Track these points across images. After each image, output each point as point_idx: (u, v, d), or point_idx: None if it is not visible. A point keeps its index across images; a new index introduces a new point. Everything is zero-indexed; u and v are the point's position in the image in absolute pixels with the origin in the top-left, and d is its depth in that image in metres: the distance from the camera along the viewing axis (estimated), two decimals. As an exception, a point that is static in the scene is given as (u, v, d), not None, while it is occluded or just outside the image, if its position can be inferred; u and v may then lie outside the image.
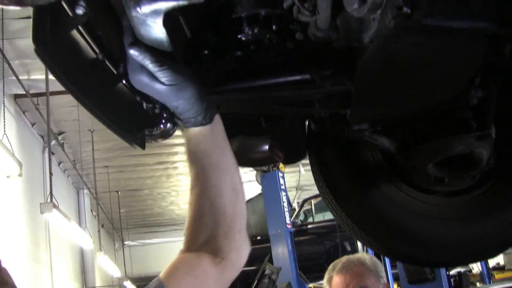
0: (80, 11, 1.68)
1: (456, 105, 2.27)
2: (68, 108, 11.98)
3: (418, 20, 1.45)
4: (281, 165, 10.21)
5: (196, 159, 1.72)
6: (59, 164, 15.81)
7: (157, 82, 1.59)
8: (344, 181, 2.87)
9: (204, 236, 1.66)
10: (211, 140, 1.69)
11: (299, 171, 15.70)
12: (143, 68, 1.58)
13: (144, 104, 2.24)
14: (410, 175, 2.80)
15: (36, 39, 1.59)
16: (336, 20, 1.65)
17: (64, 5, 1.65)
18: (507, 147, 2.71)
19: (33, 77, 10.35)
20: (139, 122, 2.29)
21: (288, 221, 10.23)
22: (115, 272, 18.95)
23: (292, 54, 1.92)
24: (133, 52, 1.57)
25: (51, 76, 9.04)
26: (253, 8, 1.70)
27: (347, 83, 1.85)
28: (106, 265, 17.40)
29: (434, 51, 1.71)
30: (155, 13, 1.38)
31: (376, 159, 2.87)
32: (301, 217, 13.95)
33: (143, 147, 2.33)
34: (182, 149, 14.18)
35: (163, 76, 1.56)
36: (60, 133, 13.66)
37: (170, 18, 1.55)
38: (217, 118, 1.69)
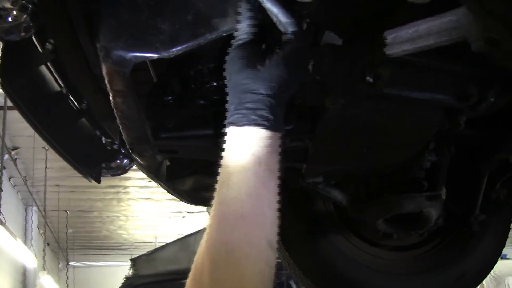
0: (49, 47, 1.70)
1: (409, 165, 2.32)
2: (24, 124, 11.71)
3: (379, 89, 1.49)
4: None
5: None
6: (9, 179, 15.56)
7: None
8: (295, 229, 2.89)
9: None
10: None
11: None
12: None
13: (103, 139, 2.25)
14: (360, 228, 2.84)
15: (3, 73, 1.61)
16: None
17: (35, 40, 1.66)
18: (456, 207, 2.76)
19: (-9, 90, 10.20)
20: (97, 156, 2.30)
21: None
22: (57, 292, 18.66)
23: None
24: None
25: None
26: (217, 60, 1.73)
27: (306, 140, 1.89)
28: (48, 285, 17.12)
29: (392, 118, 1.76)
30: (125, 64, 1.39)
31: (328, 209, 2.90)
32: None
33: (98, 181, 2.34)
34: (135, 174, 14.10)
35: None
36: (14, 148, 13.47)
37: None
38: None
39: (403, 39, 1.32)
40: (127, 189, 16.24)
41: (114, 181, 15.33)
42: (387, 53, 1.34)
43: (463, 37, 1.24)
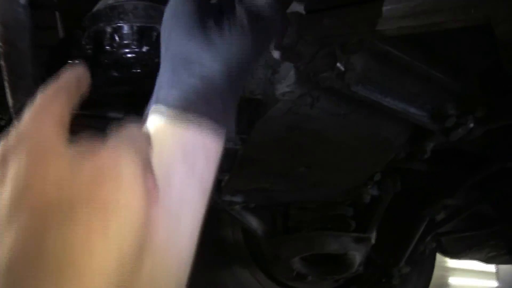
0: None
1: (343, 198, 2.01)
2: None
3: (347, 84, 1.14)
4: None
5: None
6: None
7: None
8: (194, 255, 2.52)
9: None
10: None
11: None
12: None
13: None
14: (270, 264, 2.50)
15: None
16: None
17: None
18: (377, 255, 2.48)
19: None
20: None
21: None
22: None
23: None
24: None
25: None
26: (147, 19, 1.33)
27: (238, 143, 1.52)
28: None
29: (349, 130, 1.41)
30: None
31: (235, 237, 2.56)
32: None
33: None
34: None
35: None
36: None
37: (45, 12, 1.21)
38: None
39: (401, 13, 0.97)
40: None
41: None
42: (377, 28, 0.98)
43: (485, 17, 0.91)
